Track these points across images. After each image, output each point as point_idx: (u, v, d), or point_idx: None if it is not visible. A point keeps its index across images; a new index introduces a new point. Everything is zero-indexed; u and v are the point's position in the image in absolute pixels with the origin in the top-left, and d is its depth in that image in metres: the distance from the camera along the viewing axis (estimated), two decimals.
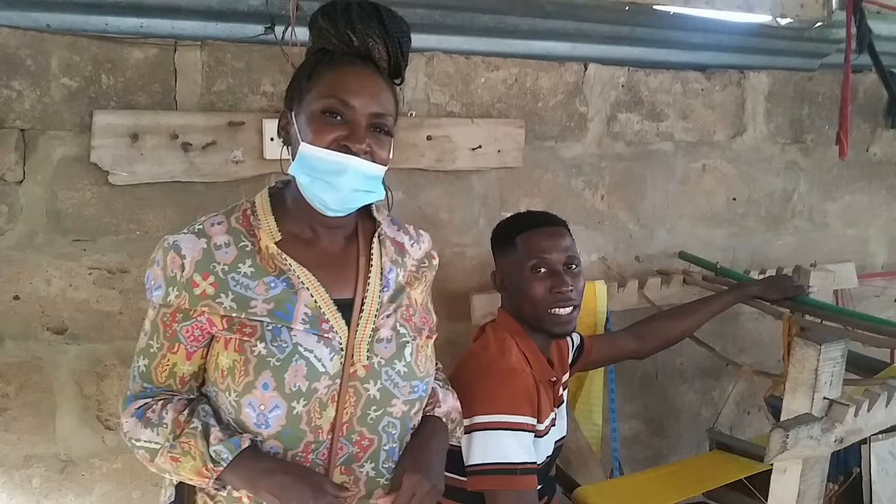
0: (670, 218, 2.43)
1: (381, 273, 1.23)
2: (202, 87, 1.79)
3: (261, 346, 1.11)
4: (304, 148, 1.11)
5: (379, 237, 1.25)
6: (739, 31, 2.26)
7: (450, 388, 1.38)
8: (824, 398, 1.35)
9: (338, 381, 1.14)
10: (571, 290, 1.55)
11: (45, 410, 1.79)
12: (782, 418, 1.37)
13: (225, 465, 1.08)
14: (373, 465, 1.18)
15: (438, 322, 1.34)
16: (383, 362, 1.17)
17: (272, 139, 1.78)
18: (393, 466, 1.19)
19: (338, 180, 1.11)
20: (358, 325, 1.16)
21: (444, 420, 1.30)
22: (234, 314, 1.12)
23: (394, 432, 1.19)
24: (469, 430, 1.44)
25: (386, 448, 1.18)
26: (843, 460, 1.86)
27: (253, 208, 1.20)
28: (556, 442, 1.65)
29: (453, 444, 1.37)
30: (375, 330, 1.18)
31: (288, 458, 1.13)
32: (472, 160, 2.06)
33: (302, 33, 1.50)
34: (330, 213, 1.16)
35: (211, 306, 1.12)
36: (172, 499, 1.23)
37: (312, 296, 1.15)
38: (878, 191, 2.78)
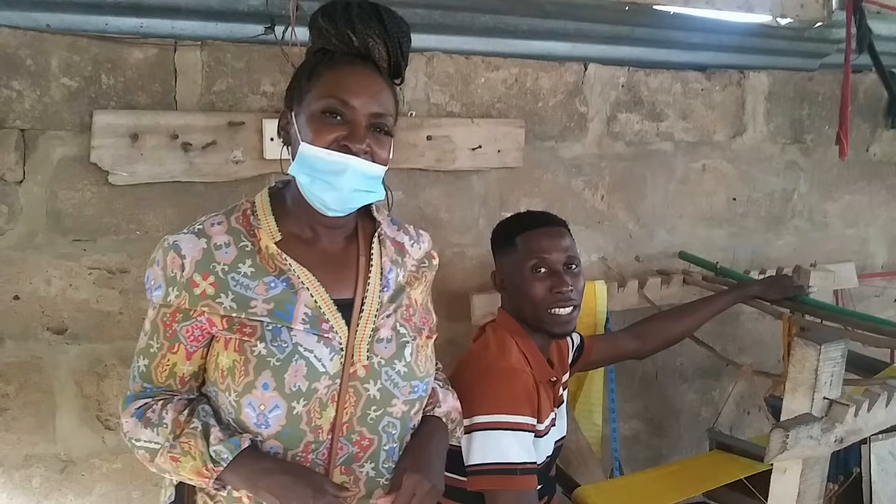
0: (670, 218, 2.43)
1: (381, 273, 1.23)
2: (202, 87, 1.79)
3: (261, 346, 1.11)
4: (304, 148, 1.11)
5: (379, 237, 1.25)
6: (739, 31, 2.26)
7: (450, 388, 1.38)
8: (824, 398, 1.35)
9: (338, 381, 1.14)
10: (571, 290, 1.55)
11: (45, 410, 1.79)
12: (782, 418, 1.37)
13: (225, 465, 1.08)
14: (373, 465, 1.18)
15: (438, 322, 1.34)
16: (383, 362, 1.17)
17: (272, 139, 1.78)
18: (393, 466, 1.19)
19: (338, 180, 1.11)
20: (358, 325, 1.16)
21: (444, 420, 1.30)
22: (234, 314, 1.12)
23: (394, 432, 1.19)
24: (469, 430, 1.44)
25: (386, 448, 1.18)
26: (843, 460, 1.86)
27: (253, 208, 1.20)
28: (556, 442, 1.65)
29: (453, 444, 1.37)
30: (375, 330, 1.18)
31: (288, 458, 1.13)
32: (472, 160, 2.06)
33: (302, 33, 1.51)
34: (330, 213, 1.16)
35: (211, 306, 1.12)
36: (172, 499, 1.23)
37: (312, 296, 1.15)
38: (878, 191, 2.78)
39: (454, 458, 1.42)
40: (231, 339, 1.13)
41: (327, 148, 1.10)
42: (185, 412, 1.14)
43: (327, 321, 1.15)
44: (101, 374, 1.82)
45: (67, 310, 1.77)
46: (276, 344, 1.11)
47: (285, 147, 1.20)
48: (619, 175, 2.32)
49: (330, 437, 1.14)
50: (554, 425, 1.63)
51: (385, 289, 1.22)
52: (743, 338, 2.62)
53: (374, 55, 1.15)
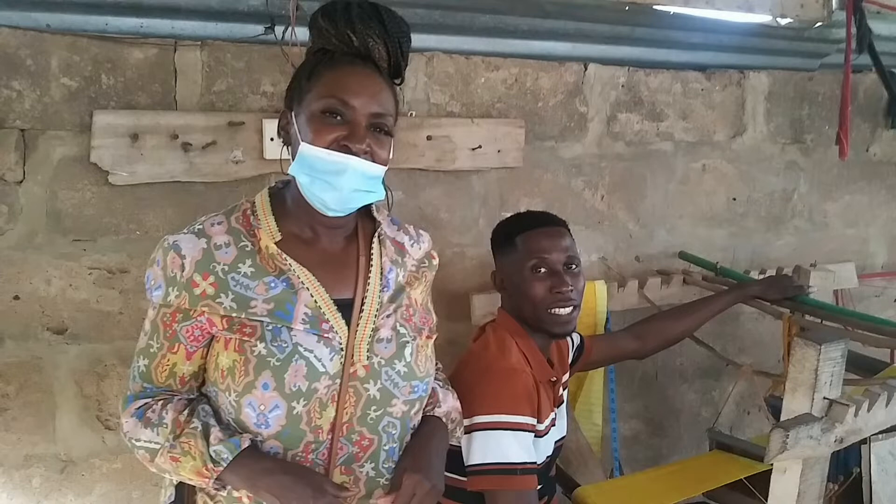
0: (670, 218, 2.43)
1: (381, 273, 1.23)
2: (202, 87, 1.79)
3: (261, 346, 1.11)
4: (304, 148, 1.11)
5: (379, 237, 1.25)
6: (739, 31, 2.26)
7: (450, 388, 1.38)
8: (824, 398, 1.35)
9: (338, 381, 1.14)
10: (571, 290, 1.55)
11: (45, 410, 1.79)
12: (782, 418, 1.37)
13: (225, 465, 1.08)
14: (373, 465, 1.18)
15: (438, 322, 1.34)
16: (383, 362, 1.17)
17: (272, 139, 1.78)
18: (393, 466, 1.19)
19: (338, 180, 1.11)
20: (358, 325, 1.16)
21: (443, 420, 1.30)
22: (234, 314, 1.12)
23: (394, 432, 1.19)
24: (469, 430, 1.44)
25: (386, 448, 1.18)
26: (843, 460, 1.86)
27: (253, 208, 1.20)
28: (556, 442, 1.65)
29: (453, 444, 1.37)
30: (375, 330, 1.18)
31: (288, 458, 1.13)
32: (472, 160, 2.06)
33: (302, 33, 1.51)
34: (330, 213, 1.16)
35: (211, 306, 1.12)
36: (172, 499, 1.23)
37: (312, 296, 1.15)
38: (878, 191, 2.78)
39: (454, 458, 1.42)
40: (231, 339, 1.13)
41: (327, 148, 1.10)
42: (185, 412, 1.14)
43: (327, 321, 1.15)
44: (101, 374, 1.82)
45: (67, 310, 1.77)
46: (276, 344, 1.11)
47: (285, 147, 1.20)
48: (619, 175, 2.32)
49: (330, 437, 1.14)
50: (554, 425, 1.63)
51: (385, 289, 1.22)
52: (743, 338, 2.62)
53: (374, 55, 1.15)
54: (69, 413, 1.81)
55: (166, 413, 1.14)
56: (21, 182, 1.69)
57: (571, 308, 1.56)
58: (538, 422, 1.52)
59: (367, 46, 1.15)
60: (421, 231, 1.35)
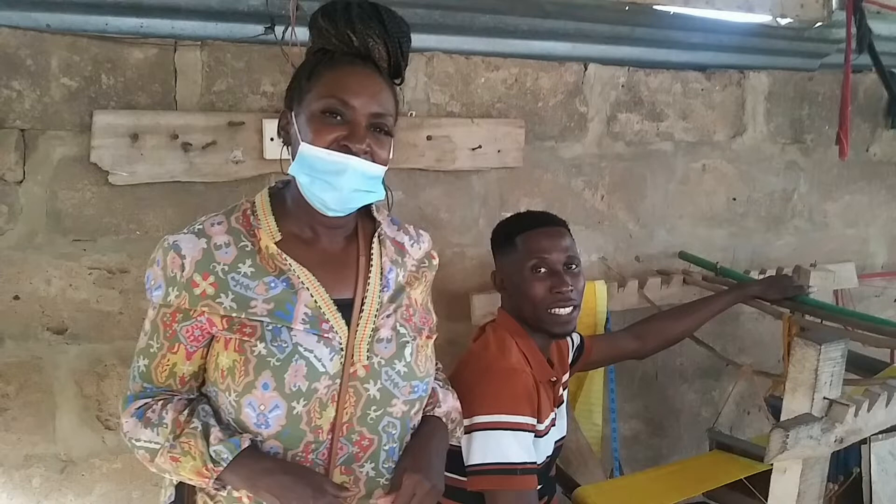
0: (670, 218, 2.43)
1: (381, 273, 1.23)
2: (202, 87, 1.79)
3: (261, 346, 1.11)
4: (304, 148, 1.11)
5: (379, 237, 1.25)
6: (739, 31, 2.26)
7: (450, 388, 1.38)
8: (824, 398, 1.35)
9: (338, 381, 1.14)
10: (571, 290, 1.55)
11: (45, 410, 1.79)
12: (782, 418, 1.37)
13: (225, 465, 1.08)
14: (373, 465, 1.18)
15: (438, 322, 1.34)
16: (383, 362, 1.18)
17: (272, 139, 1.78)
18: (393, 466, 1.19)
19: (338, 180, 1.11)
20: (358, 325, 1.17)
21: (443, 420, 1.30)
22: (234, 314, 1.12)
23: (394, 432, 1.19)
24: (469, 430, 1.44)
25: (386, 448, 1.18)
26: (843, 460, 1.86)
27: (253, 208, 1.20)
28: (556, 442, 1.65)
29: (453, 444, 1.37)
30: (375, 330, 1.18)
31: (288, 458, 1.13)
32: (472, 160, 2.06)
33: (302, 33, 1.51)
34: (330, 213, 1.16)
35: (211, 306, 1.12)
36: (172, 499, 1.23)
37: (312, 296, 1.15)
38: (878, 191, 2.78)
39: (454, 458, 1.42)
40: (231, 339, 1.13)
41: (327, 148, 1.10)
42: (185, 412, 1.14)
43: (327, 321, 1.15)
44: (101, 374, 1.82)
45: (67, 310, 1.77)
46: (276, 344, 1.11)
47: (285, 147, 1.21)
48: (619, 175, 2.32)
49: (330, 437, 1.14)
50: (554, 425, 1.63)
51: (385, 289, 1.22)
52: (743, 338, 2.62)
53: (374, 55, 1.15)
54: (69, 413, 1.81)
55: (166, 413, 1.14)
56: (21, 182, 1.69)
57: (571, 308, 1.56)
58: (538, 422, 1.52)
59: (367, 46, 1.15)
60: (421, 231, 1.35)
